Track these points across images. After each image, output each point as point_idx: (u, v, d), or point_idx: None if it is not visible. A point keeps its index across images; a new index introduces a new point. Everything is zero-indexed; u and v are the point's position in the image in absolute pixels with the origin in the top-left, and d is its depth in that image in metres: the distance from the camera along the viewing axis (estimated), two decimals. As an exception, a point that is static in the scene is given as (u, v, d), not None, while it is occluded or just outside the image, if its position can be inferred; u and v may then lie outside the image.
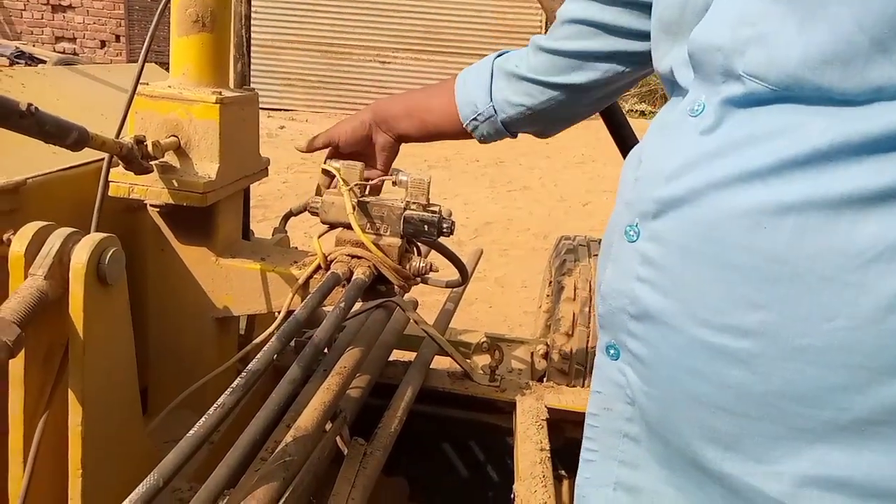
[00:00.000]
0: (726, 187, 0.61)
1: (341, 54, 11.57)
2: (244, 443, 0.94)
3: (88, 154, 1.17)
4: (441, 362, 1.82)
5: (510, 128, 1.12)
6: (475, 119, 1.11)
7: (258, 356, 1.00)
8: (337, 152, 1.28)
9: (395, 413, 1.44)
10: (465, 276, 1.74)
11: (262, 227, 4.77)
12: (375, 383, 1.54)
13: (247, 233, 1.55)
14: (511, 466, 1.85)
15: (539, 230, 5.77)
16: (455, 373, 1.72)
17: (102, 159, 1.17)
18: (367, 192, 1.31)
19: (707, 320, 0.62)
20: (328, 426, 1.26)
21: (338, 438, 1.27)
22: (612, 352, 0.74)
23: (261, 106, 1.49)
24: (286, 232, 1.79)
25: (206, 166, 1.26)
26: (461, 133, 1.14)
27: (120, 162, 1.14)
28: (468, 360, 2.04)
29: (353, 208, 1.27)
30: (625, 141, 1.23)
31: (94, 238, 0.97)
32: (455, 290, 2.13)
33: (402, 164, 1.36)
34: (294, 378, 1.01)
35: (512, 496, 1.36)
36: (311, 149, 1.28)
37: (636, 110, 14.72)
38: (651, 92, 15.81)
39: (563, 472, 1.89)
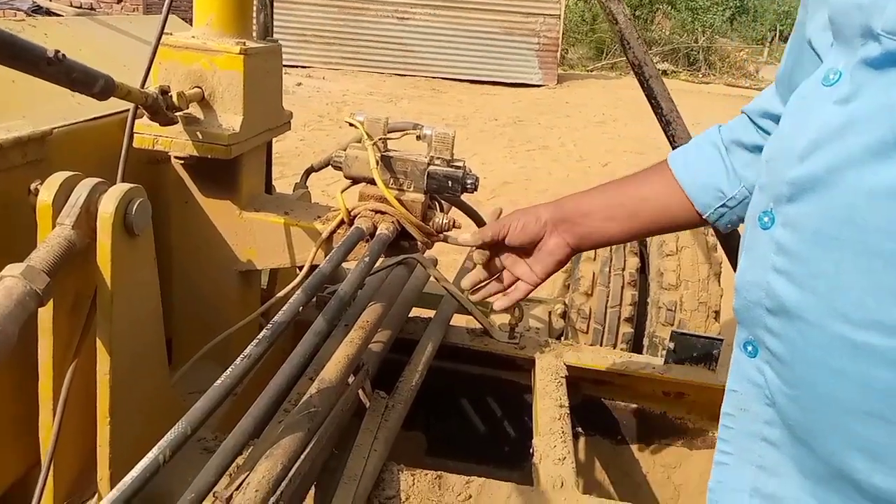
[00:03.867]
0: (866, 163, 0.54)
1: (358, 10, 11.42)
2: (270, 393, 0.95)
3: (113, 105, 1.17)
4: (460, 320, 1.82)
5: None
6: (724, 206, 0.94)
7: (284, 308, 1.00)
8: (502, 245, 1.08)
9: (415, 368, 1.45)
10: (486, 234, 1.74)
11: (280, 185, 4.75)
12: (396, 339, 1.54)
13: (269, 187, 1.54)
14: (528, 422, 1.86)
15: (557, 191, 5.73)
16: (474, 330, 1.73)
17: (127, 110, 1.16)
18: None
19: (849, 315, 0.56)
20: (351, 379, 1.27)
21: (360, 391, 1.28)
22: (749, 349, 0.69)
23: (279, 61, 1.47)
24: (307, 187, 1.79)
25: (230, 118, 1.25)
26: (689, 224, 0.99)
27: (145, 113, 1.13)
28: (487, 318, 2.05)
29: (377, 163, 1.26)
30: (654, 96, 1.21)
31: (120, 188, 0.97)
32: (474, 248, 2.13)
33: (421, 122, 1.34)
34: (319, 330, 1.01)
35: (531, 450, 1.37)
36: (481, 242, 1.09)
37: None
38: (674, 51, 15.54)
39: (579, 430, 1.90)
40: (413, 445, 1.90)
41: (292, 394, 1.23)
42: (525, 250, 1.06)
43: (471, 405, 1.93)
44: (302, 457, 0.97)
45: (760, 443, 0.69)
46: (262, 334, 0.96)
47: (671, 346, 1.71)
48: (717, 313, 2.25)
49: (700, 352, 1.72)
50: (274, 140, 1.53)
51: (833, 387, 0.58)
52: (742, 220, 0.93)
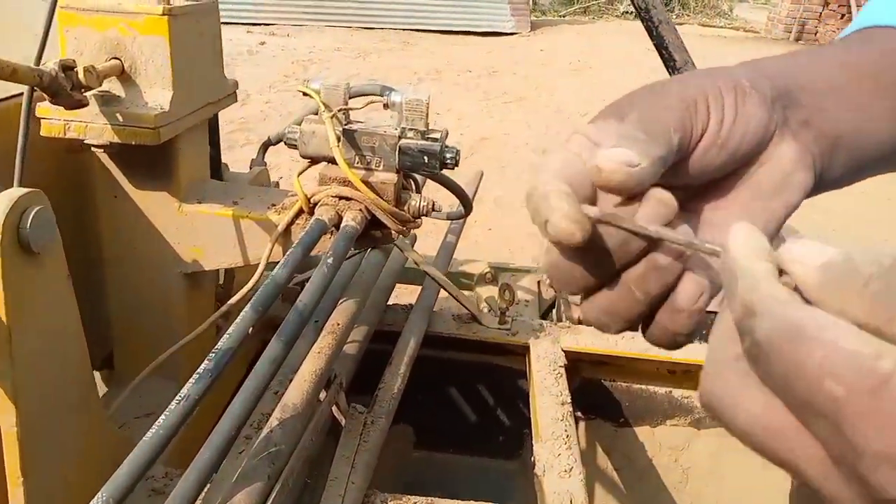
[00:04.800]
0: None
1: (322, -39, 10.93)
2: (221, 434, 0.77)
3: (14, 86, 0.95)
4: (445, 297, 1.65)
5: None
6: None
7: (229, 331, 0.81)
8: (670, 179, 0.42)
9: (396, 371, 1.28)
10: (468, 208, 1.55)
11: (246, 152, 4.52)
12: (374, 331, 1.37)
13: (218, 170, 1.34)
14: (523, 410, 1.71)
15: (537, 144, 5.52)
16: (461, 315, 1.55)
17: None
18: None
19: None
20: (322, 395, 1.09)
21: (334, 408, 1.11)
22: None
23: (238, 21, 1.27)
24: (265, 164, 1.58)
25: (157, 94, 1.04)
26: None
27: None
28: (473, 294, 1.87)
29: (338, 139, 1.06)
30: (666, 45, 1.01)
31: (9, 195, 0.77)
32: (456, 221, 1.95)
33: (388, 77, 1.14)
34: (275, 357, 0.83)
35: (532, 460, 1.21)
36: (660, 168, 0.40)
37: (630, 12, 14.15)
38: (647, -8, 15.19)
39: (579, 414, 1.76)
40: (400, 440, 1.75)
41: (255, 415, 1.05)
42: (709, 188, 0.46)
43: (460, 393, 1.77)
44: (261, 515, 0.79)
45: None
46: (203, 367, 0.77)
47: (678, 323, 1.55)
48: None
49: (709, 328, 1.56)
50: (237, 105, 1.32)
51: None
52: None
